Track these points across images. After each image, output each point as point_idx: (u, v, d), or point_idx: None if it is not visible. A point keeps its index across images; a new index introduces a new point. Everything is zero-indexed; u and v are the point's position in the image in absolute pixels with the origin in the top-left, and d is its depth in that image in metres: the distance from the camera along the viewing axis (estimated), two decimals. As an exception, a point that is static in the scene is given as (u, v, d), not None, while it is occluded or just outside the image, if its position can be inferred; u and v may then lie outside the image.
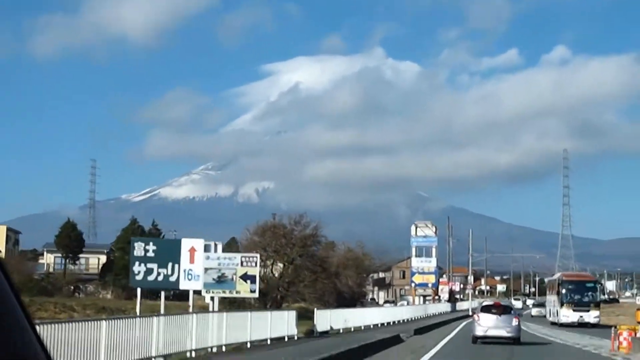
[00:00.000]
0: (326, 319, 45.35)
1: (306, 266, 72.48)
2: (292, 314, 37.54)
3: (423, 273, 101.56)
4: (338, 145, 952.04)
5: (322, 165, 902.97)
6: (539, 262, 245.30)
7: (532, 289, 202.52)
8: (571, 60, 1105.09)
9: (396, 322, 62.53)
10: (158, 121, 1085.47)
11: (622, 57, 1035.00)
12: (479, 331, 36.47)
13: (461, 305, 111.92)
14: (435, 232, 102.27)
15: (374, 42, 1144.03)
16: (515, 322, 36.38)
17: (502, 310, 37.19)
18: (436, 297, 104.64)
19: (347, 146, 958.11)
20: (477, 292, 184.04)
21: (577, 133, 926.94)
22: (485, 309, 37.58)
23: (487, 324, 36.20)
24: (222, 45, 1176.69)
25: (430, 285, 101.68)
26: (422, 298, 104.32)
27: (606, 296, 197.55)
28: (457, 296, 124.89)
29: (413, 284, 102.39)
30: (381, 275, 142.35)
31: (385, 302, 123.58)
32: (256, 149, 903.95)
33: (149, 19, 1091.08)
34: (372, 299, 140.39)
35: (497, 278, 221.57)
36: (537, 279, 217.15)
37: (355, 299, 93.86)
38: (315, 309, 46.44)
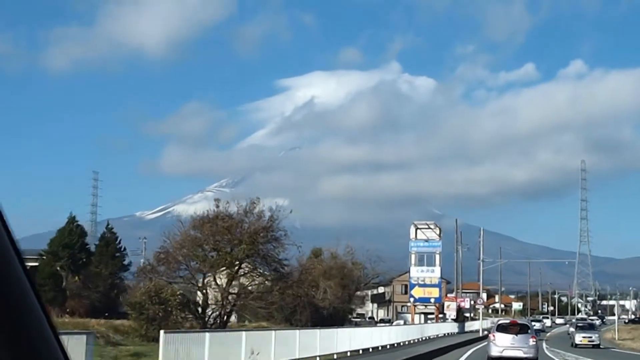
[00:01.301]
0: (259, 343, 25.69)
1: (259, 272, 52.57)
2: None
3: (424, 285, 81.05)
4: (353, 161, 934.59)
5: (337, 181, 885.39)
6: (555, 281, 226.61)
7: (551, 308, 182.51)
8: (588, 74, 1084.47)
9: (380, 347, 42.86)
10: (174, 135, 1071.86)
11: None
12: (495, 352, 34.54)
13: (471, 326, 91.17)
14: (440, 235, 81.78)
15: (390, 57, 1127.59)
16: (532, 342, 34.65)
17: (518, 329, 35.36)
18: (440, 315, 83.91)
19: (362, 162, 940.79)
20: (490, 311, 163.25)
21: (593, 148, 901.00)
22: (501, 328, 35.75)
23: (503, 344, 34.38)
24: (238, 58, 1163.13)
25: (432, 300, 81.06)
26: (422, 316, 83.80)
27: (632, 315, 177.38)
28: (468, 314, 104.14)
29: (412, 299, 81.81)
30: (380, 290, 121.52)
31: (380, 320, 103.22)
32: (270, 165, 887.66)
33: (165, 30, 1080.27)
34: (371, 317, 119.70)
35: (512, 296, 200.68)
36: (556, 297, 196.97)
37: (338, 317, 73.20)
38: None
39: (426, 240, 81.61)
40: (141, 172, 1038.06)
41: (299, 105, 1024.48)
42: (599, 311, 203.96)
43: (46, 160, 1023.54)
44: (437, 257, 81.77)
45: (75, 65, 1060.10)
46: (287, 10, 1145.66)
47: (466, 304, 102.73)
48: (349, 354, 36.85)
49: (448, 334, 74.16)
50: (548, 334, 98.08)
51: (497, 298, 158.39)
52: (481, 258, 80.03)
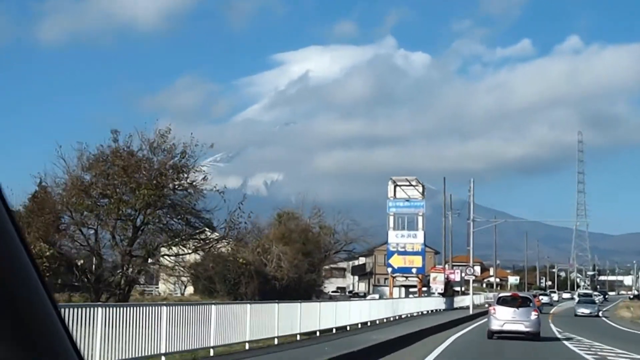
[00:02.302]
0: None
1: (164, 226, 38.32)
2: None
3: (405, 253, 66.79)
4: (347, 135, 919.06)
5: (331, 156, 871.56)
6: (551, 257, 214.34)
7: (549, 282, 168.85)
8: (584, 50, 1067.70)
9: (320, 331, 28.97)
10: (167, 109, 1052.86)
11: (636, 46, 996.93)
12: (495, 325, 32.56)
13: (461, 301, 77.00)
14: (423, 194, 67.35)
15: (385, 31, 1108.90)
16: (534, 315, 32.83)
17: (520, 302, 33.42)
18: (424, 289, 69.62)
19: (357, 137, 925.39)
20: (484, 285, 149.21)
21: (588, 124, 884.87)
22: (502, 301, 33.75)
23: (504, 318, 32.40)
24: (232, 31, 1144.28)
25: (414, 271, 66.74)
26: (403, 290, 69.69)
27: (635, 291, 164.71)
28: (458, 289, 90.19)
29: (390, 269, 67.48)
30: (361, 260, 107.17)
31: (354, 295, 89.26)
32: (265, 140, 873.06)
33: (158, 3, 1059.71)
34: (352, 292, 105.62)
35: (508, 271, 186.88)
36: (555, 271, 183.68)
37: (300, 290, 58.74)
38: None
39: (407, 200, 67.25)
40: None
41: (294, 79, 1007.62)
42: (598, 286, 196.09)
43: (35, 140, 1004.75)
44: (420, 219, 67.47)
45: (67, 39, 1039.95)
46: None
47: (456, 277, 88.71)
48: (247, 346, 22.53)
49: (431, 311, 59.93)
50: (553, 310, 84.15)
51: (491, 271, 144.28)
52: (471, 217, 65.57)
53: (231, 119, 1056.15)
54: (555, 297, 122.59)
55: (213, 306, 21.02)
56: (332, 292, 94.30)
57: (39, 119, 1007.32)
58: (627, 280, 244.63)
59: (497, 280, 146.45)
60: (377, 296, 69.34)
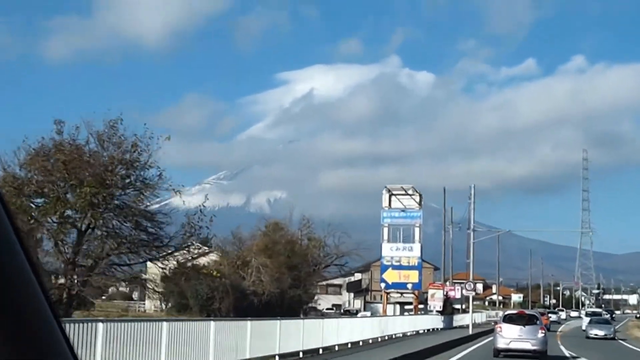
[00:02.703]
0: None
1: (116, 229, 32.93)
2: None
3: (400, 267, 61.11)
4: (351, 154, 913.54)
5: (335, 174, 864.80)
6: (555, 276, 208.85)
7: (553, 301, 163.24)
8: (589, 69, 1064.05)
9: (304, 352, 24.36)
10: (172, 128, 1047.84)
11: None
12: (501, 343, 31.56)
13: (462, 319, 71.26)
14: (420, 204, 61.74)
15: (390, 50, 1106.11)
16: (541, 333, 31.68)
17: (527, 320, 32.19)
18: (421, 306, 63.91)
19: (361, 155, 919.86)
20: (487, 303, 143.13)
21: (592, 143, 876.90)
22: (509, 319, 32.58)
23: (510, 336, 31.28)
24: (238, 50, 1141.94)
25: (410, 286, 61.03)
26: (398, 307, 64.02)
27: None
28: (459, 306, 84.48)
29: (383, 285, 61.77)
30: (357, 277, 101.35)
31: (346, 312, 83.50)
32: (269, 158, 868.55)
33: (165, 21, 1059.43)
34: (347, 310, 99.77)
35: (511, 288, 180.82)
36: (559, 289, 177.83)
37: (283, 307, 52.98)
38: None
39: (403, 210, 61.67)
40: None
41: (298, 97, 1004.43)
42: (603, 305, 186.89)
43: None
44: (417, 230, 61.81)
45: (72, 56, 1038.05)
46: (288, 2, 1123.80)
47: (456, 294, 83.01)
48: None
49: (427, 330, 54.22)
50: (561, 328, 78.35)
51: (494, 289, 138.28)
52: (472, 227, 59.98)
53: (235, 137, 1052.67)
54: (562, 315, 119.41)
55: (164, 323, 17.56)
56: (327, 309, 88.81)
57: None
58: (632, 299, 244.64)
59: (500, 298, 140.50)
60: (368, 313, 63.73)
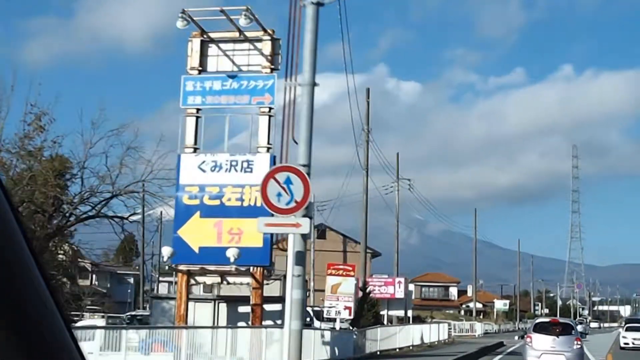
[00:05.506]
0: None
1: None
2: None
3: (221, 212, 23.65)
4: (335, 163, 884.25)
5: (318, 184, 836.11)
6: (544, 281, 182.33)
7: (545, 310, 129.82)
8: (576, 79, 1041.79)
9: None
10: (153, 135, 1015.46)
11: (629, 74, 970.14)
12: (532, 356, 26.52)
13: (390, 337, 33.85)
14: (273, 61, 24.23)
15: (377, 58, 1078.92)
16: (577, 345, 26.54)
17: (560, 329, 26.94)
18: (271, 308, 25.79)
19: (345, 163, 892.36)
20: (463, 312, 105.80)
21: (580, 152, 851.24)
22: (540, 328, 27.33)
23: (542, 347, 26.27)
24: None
25: (235, 257, 23.34)
26: (214, 307, 26.41)
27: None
28: (402, 314, 47.90)
29: (169, 253, 24.08)
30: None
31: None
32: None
33: (147, 23, 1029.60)
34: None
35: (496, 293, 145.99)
36: (553, 295, 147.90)
37: None
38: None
39: (233, 75, 24.24)
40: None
41: (281, 104, 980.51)
42: (599, 316, 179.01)
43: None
44: (265, 124, 24.57)
45: (52, 59, 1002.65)
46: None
47: (397, 292, 46.28)
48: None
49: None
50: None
51: (470, 291, 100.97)
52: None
53: (219, 145, 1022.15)
54: (594, 325, 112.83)
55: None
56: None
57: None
58: (624, 310, 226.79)
59: (480, 305, 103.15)
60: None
